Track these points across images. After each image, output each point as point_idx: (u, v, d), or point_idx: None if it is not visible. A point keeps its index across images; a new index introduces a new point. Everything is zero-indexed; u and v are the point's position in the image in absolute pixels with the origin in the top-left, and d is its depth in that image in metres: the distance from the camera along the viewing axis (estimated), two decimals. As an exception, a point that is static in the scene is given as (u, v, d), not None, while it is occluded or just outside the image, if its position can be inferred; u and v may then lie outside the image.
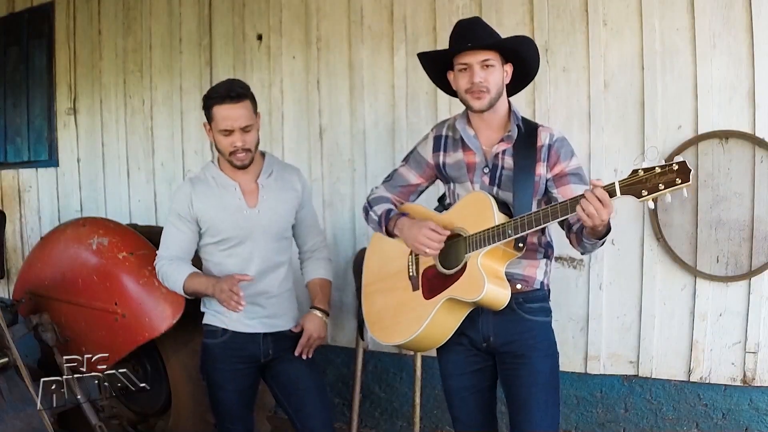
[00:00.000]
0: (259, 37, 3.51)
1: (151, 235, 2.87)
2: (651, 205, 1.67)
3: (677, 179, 1.59)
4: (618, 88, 2.65)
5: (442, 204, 2.21)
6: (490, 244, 1.89)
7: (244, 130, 2.22)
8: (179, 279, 2.28)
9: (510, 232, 1.85)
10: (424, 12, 3.04)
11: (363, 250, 3.18)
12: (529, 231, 1.84)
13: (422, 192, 2.25)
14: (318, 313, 2.41)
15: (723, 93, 2.48)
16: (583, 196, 1.71)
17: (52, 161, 4.50)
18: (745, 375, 2.52)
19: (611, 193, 1.68)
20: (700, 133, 2.51)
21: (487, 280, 1.88)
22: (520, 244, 1.93)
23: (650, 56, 2.58)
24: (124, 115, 4.11)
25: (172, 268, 2.30)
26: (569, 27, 2.73)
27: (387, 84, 3.16)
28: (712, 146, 2.50)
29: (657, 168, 1.62)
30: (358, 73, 3.23)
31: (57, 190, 4.51)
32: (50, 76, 4.44)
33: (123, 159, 4.14)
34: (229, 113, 2.20)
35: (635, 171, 1.65)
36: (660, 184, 1.61)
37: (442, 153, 2.11)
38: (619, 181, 1.68)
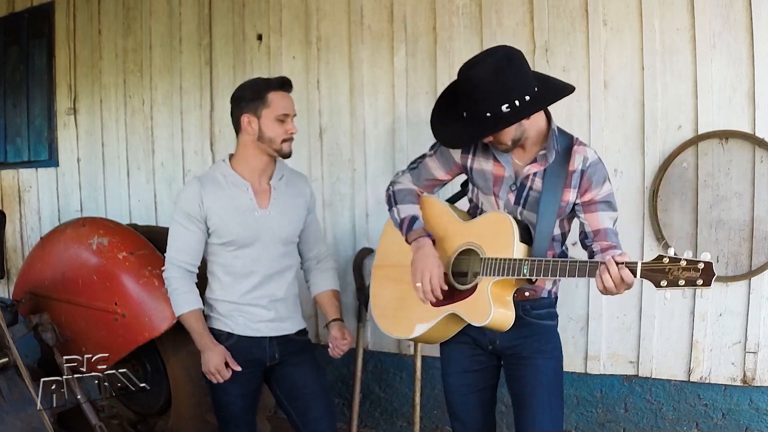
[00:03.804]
0: (259, 37, 3.51)
1: (151, 235, 2.87)
2: (667, 295, 1.65)
3: (699, 280, 1.58)
4: (618, 88, 2.66)
5: (464, 190, 2.18)
6: (503, 275, 1.85)
7: (292, 119, 2.28)
8: (183, 307, 2.27)
9: (525, 271, 1.82)
10: (424, 12, 3.04)
11: (363, 250, 3.20)
12: (543, 277, 1.81)
13: (446, 184, 2.20)
14: (342, 323, 2.43)
15: (723, 93, 2.48)
16: (608, 269, 1.68)
17: (52, 161, 4.50)
18: (745, 375, 2.52)
19: (632, 273, 1.67)
20: (700, 133, 2.51)
21: (494, 307, 1.86)
22: (533, 280, 1.89)
23: (650, 56, 2.58)
24: (124, 115, 4.11)
25: (184, 289, 2.27)
26: (569, 27, 2.73)
27: (387, 84, 3.16)
28: (712, 146, 2.50)
29: (683, 261, 1.60)
30: (358, 73, 3.23)
31: (57, 190, 4.52)
32: (50, 76, 4.44)
33: (123, 159, 4.14)
34: (287, 100, 2.25)
35: (660, 256, 1.62)
36: (681, 279, 1.59)
37: (471, 156, 2.04)
38: (642, 263, 1.65)
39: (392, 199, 2.15)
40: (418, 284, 1.97)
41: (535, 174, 1.95)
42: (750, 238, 2.46)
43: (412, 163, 2.19)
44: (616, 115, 2.67)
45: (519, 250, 1.87)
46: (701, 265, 1.58)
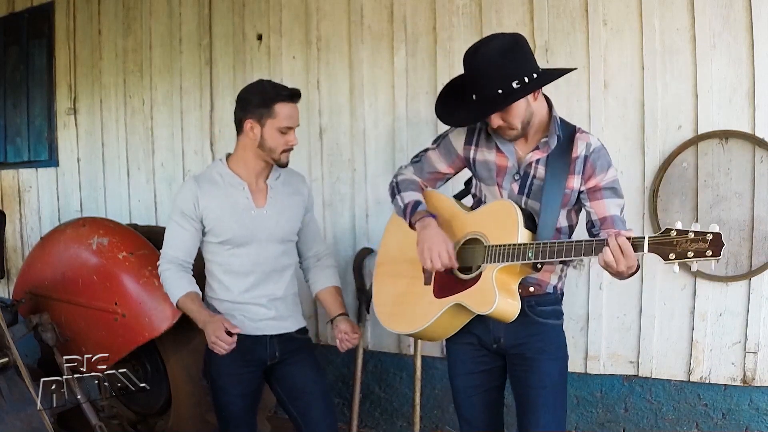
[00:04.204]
0: (259, 37, 3.52)
1: (151, 235, 2.87)
2: (675, 269, 1.63)
3: (708, 251, 1.55)
4: (618, 88, 2.66)
5: (468, 188, 2.18)
6: (508, 261, 1.84)
7: (294, 130, 2.29)
8: (176, 293, 2.27)
9: (530, 255, 1.81)
10: (424, 12, 3.05)
11: (363, 250, 3.20)
12: (548, 261, 1.81)
13: (449, 179, 2.20)
14: (348, 317, 2.42)
15: (723, 93, 2.48)
16: (607, 243, 1.68)
17: (52, 161, 4.50)
18: (745, 375, 2.52)
19: (639, 248, 1.65)
20: (700, 133, 2.51)
21: (499, 295, 1.85)
22: (538, 265, 1.89)
23: (650, 56, 2.58)
24: (124, 115, 4.11)
25: (175, 278, 2.27)
26: (569, 27, 2.73)
27: (387, 84, 3.16)
28: (712, 146, 2.50)
29: (691, 233, 1.57)
30: (358, 73, 3.23)
31: (57, 190, 4.52)
32: (50, 76, 4.44)
33: (123, 159, 4.14)
34: (293, 112, 2.25)
35: (668, 230, 1.61)
36: (689, 251, 1.57)
37: (473, 147, 2.03)
38: (649, 237, 1.64)
39: (395, 189, 2.14)
40: (425, 258, 1.94)
41: (537, 161, 1.95)
42: (750, 238, 2.46)
43: (415, 156, 2.19)
44: (616, 115, 2.67)
45: (523, 236, 1.85)
46: (710, 237, 1.55)
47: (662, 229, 1.63)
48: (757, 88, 2.42)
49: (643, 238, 1.64)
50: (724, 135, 2.47)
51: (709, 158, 2.50)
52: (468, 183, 2.21)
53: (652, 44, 2.57)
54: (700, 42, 2.49)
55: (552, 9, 2.75)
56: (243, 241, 2.28)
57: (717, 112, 2.49)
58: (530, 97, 1.87)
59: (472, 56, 1.87)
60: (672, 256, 1.59)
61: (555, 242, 1.79)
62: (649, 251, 1.63)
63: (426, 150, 2.15)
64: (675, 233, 1.59)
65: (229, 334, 2.15)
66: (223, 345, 2.14)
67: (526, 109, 1.87)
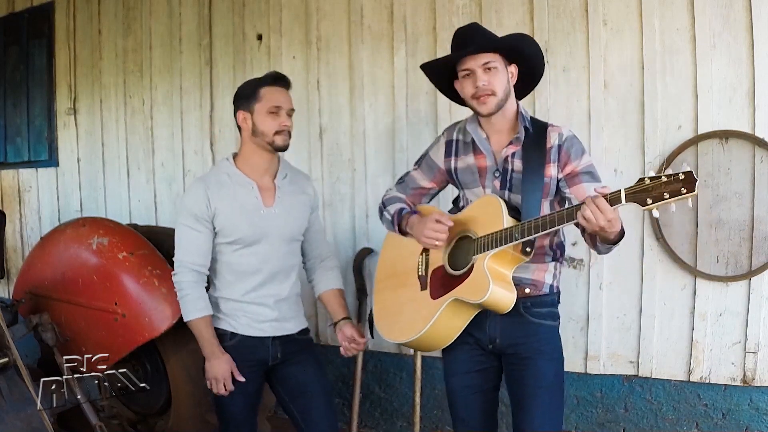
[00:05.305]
0: (259, 37, 3.52)
1: (151, 235, 2.87)
2: (656, 213, 1.66)
3: (682, 189, 1.59)
4: (618, 88, 2.66)
5: (457, 206, 2.22)
6: (497, 246, 1.89)
7: (288, 114, 2.29)
8: (193, 313, 2.26)
9: (517, 235, 1.85)
10: (424, 12, 3.05)
11: (363, 250, 3.20)
12: (536, 235, 1.84)
13: (435, 195, 2.27)
14: (352, 321, 2.43)
15: (723, 93, 2.48)
16: (584, 202, 1.72)
17: (52, 161, 4.50)
18: (745, 375, 2.52)
19: (617, 201, 1.68)
20: (700, 133, 2.51)
21: (493, 282, 1.87)
22: (528, 249, 1.92)
23: (650, 56, 2.58)
24: (124, 115, 4.11)
25: (195, 295, 2.26)
26: (569, 27, 2.73)
27: (387, 84, 3.16)
28: (712, 146, 2.50)
29: (663, 177, 1.62)
30: (358, 73, 3.23)
31: (57, 190, 4.52)
32: (50, 76, 4.44)
33: (123, 159, 4.14)
34: (280, 95, 2.28)
35: (641, 179, 1.65)
36: (665, 193, 1.61)
37: (453, 158, 2.12)
38: (625, 189, 1.68)
39: (382, 206, 2.24)
40: (425, 239, 2.01)
41: (513, 155, 2.01)
42: (750, 238, 2.46)
43: (399, 179, 2.29)
44: (616, 115, 2.67)
45: (509, 223, 1.90)
46: (681, 176, 1.59)
47: (636, 180, 1.67)
48: (757, 88, 2.42)
49: (620, 190, 1.68)
50: (724, 135, 2.47)
51: (709, 158, 2.50)
52: (456, 201, 2.25)
53: (652, 44, 2.57)
54: (700, 42, 2.49)
55: (552, 9, 2.75)
56: (252, 241, 2.28)
57: (717, 112, 2.49)
58: (509, 75, 1.99)
59: (466, 26, 2.05)
60: (649, 201, 1.63)
61: (538, 217, 1.84)
62: (626, 201, 1.67)
63: (408, 172, 2.27)
64: (648, 181, 1.64)
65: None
66: (221, 389, 2.23)
67: (506, 82, 1.98)
